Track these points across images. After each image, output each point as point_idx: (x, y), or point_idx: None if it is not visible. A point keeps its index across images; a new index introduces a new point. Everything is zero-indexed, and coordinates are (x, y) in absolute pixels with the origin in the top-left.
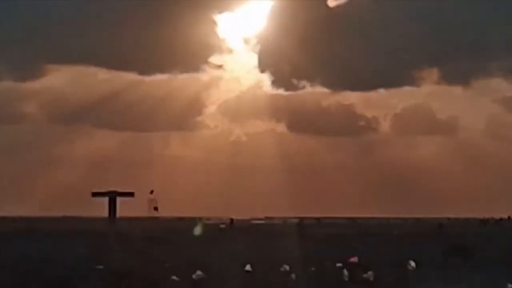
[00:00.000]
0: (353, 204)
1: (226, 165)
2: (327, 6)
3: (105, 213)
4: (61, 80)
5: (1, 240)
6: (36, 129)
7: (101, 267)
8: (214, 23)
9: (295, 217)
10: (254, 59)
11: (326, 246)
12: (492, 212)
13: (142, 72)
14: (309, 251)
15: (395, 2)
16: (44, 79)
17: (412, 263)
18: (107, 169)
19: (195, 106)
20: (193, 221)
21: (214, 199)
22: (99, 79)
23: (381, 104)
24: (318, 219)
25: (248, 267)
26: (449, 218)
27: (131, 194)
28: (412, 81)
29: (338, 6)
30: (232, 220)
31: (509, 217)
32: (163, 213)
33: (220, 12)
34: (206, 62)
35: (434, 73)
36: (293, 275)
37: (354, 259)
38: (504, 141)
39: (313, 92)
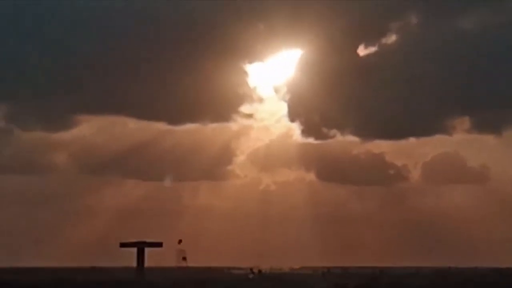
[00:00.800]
0: (382, 253)
1: (255, 214)
2: (357, 55)
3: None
4: (92, 130)
5: None
6: (65, 179)
7: None
8: (245, 72)
9: (324, 267)
10: (284, 108)
11: None
12: None
13: (172, 121)
14: None
15: (425, 52)
16: (74, 130)
17: None
18: (135, 219)
19: (224, 155)
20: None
21: (243, 248)
22: (129, 129)
23: (411, 153)
24: (345, 268)
25: None
26: (476, 268)
27: (159, 245)
28: (444, 130)
29: (368, 55)
30: (260, 270)
31: None
32: (192, 263)
33: (250, 62)
34: (237, 111)
35: (465, 122)
36: None
37: None
38: None
39: (343, 141)
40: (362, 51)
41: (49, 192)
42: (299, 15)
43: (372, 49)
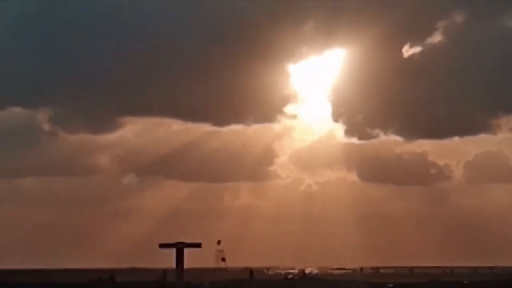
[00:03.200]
0: (425, 253)
1: (296, 214)
2: (401, 54)
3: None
4: (136, 132)
5: None
6: (108, 181)
7: None
8: (289, 73)
9: (366, 267)
10: (328, 109)
11: None
12: None
13: (216, 123)
14: None
15: (470, 51)
16: (119, 131)
17: None
18: (176, 220)
19: (267, 156)
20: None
21: (284, 249)
22: (173, 131)
23: (454, 152)
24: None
25: None
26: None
27: (198, 245)
28: (488, 129)
29: (412, 54)
30: (303, 271)
31: None
32: (232, 263)
33: (294, 63)
34: (281, 112)
35: (510, 120)
36: None
37: None
38: None
39: (386, 141)
40: (406, 50)
41: (92, 193)
42: (343, 14)
43: (417, 49)
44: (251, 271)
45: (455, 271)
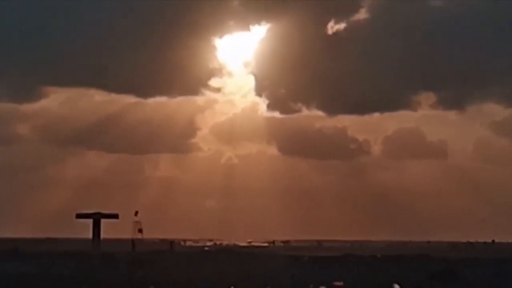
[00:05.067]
0: (343, 226)
1: (216, 187)
2: (326, 30)
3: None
4: (59, 102)
5: None
6: (29, 151)
7: None
8: (215, 47)
9: (283, 240)
10: (252, 83)
11: (311, 269)
12: (477, 235)
13: (141, 94)
14: (294, 274)
15: (392, 29)
16: (42, 101)
17: (397, 287)
18: (96, 191)
19: (189, 128)
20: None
21: (203, 221)
22: (97, 101)
23: (374, 128)
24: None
25: None
26: (428, 242)
27: (115, 216)
28: (408, 105)
29: (336, 32)
30: (215, 242)
31: (493, 241)
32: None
33: (221, 37)
34: (206, 85)
35: (430, 97)
36: None
37: (340, 284)
38: (492, 163)
39: (308, 116)
40: (331, 27)
41: (12, 163)
42: None
43: (341, 25)
44: (171, 242)
45: (365, 245)
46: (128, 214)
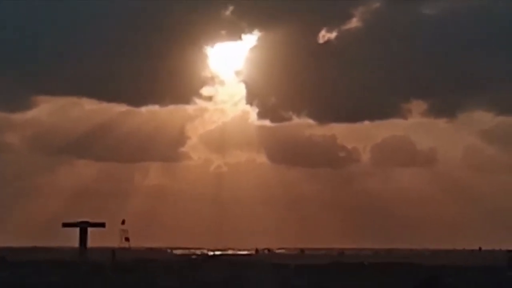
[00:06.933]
0: (331, 234)
1: (205, 195)
2: (316, 39)
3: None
4: (50, 111)
5: None
6: (19, 160)
7: None
8: (206, 56)
9: (269, 248)
10: (242, 91)
11: (298, 277)
12: (464, 243)
13: (132, 103)
14: (281, 282)
15: (382, 37)
16: (33, 110)
17: None
18: (84, 200)
19: (179, 137)
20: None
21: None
22: (87, 110)
23: (363, 136)
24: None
25: None
26: (418, 249)
27: (102, 225)
28: (399, 114)
29: (328, 39)
30: (207, 252)
31: (480, 248)
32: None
33: (212, 46)
34: (197, 94)
35: (420, 105)
36: None
37: None
38: (481, 172)
39: (299, 124)
40: (322, 35)
41: (1, 171)
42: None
43: (332, 34)
44: (113, 251)
45: (347, 253)
46: (117, 223)
